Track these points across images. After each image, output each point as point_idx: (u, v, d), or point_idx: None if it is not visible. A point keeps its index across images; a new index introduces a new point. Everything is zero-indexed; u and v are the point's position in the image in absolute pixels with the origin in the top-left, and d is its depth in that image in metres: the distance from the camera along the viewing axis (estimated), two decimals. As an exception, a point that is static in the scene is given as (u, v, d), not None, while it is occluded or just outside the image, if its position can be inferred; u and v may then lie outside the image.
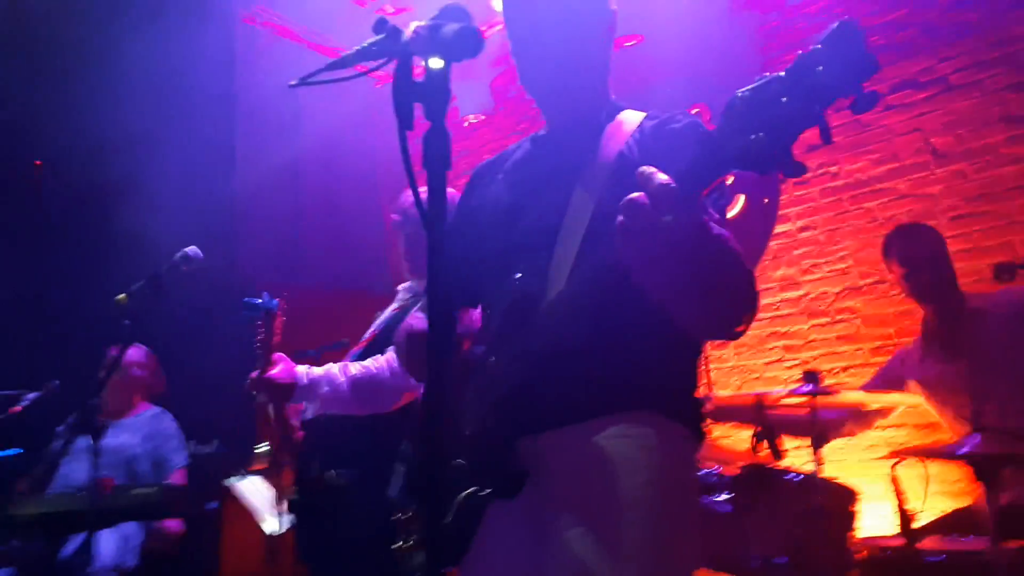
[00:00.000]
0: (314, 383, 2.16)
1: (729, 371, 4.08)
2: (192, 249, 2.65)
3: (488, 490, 1.23)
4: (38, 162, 5.11)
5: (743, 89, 0.88)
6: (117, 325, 2.61)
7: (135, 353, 3.77)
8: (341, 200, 5.13)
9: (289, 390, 2.15)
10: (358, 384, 2.17)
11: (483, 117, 5.53)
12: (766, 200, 3.55)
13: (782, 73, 0.86)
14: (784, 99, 0.85)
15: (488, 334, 1.34)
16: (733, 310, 1.10)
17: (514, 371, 1.21)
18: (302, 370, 2.18)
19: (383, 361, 2.22)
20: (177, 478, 3.60)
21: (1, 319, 4.48)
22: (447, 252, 0.95)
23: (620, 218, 0.95)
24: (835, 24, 0.84)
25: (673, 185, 0.92)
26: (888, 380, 3.13)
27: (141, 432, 3.61)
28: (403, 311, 2.38)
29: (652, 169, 0.94)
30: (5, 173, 4.73)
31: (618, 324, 1.10)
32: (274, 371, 2.15)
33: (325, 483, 2.23)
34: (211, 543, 3.68)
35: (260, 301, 2.28)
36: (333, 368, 2.20)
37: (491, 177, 1.53)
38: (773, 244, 4.00)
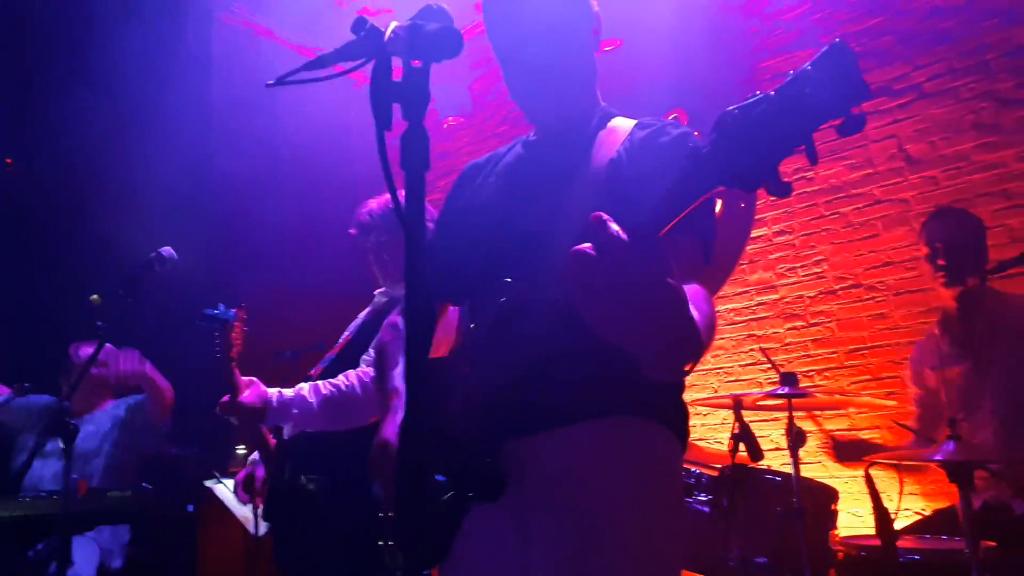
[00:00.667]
0: (284, 406, 2.17)
1: (706, 373, 4.10)
2: (166, 249, 2.63)
3: (470, 493, 1.23)
4: (9, 159, 5.04)
5: (733, 107, 0.88)
6: (91, 325, 2.58)
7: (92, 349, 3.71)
8: (319, 200, 5.10)
9: (260, 414, 2.16)
10: (329, 404, 2.19)
11: (462, 119, 5.53)
12: (743, 205, 3.59)
13: (772, 92, 0.86)
14: (774, 119, 0.85)
15: (473, 336, 1.33)
16: (675, 359, 1.09)
17: (499, 374, 1.21)
18: (272, 392, 2.19)
19: (354, 377, 2.23)
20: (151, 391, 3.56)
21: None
22: (430, 249, 0.95)
23: (568, 265, 0.95)
24: (828, 46, 0.84)
25: (623, 238, 0.92)
26: (916, 373, 3.12)
27: (103, 426, 3.57)
28: (377, 315, 2.37)
29: (604, 217, 0.94)
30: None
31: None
32: (245, 395, 2.16)
33: (298, 488, 2.23)
34: (189, 545, 3.65)
35: (217, 312, 2.28)
36: (304, 388, 2.21)
37: (481, 178, 1.52)
38: (750, 248, 4.03)
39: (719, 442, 3.88)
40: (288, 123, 4.88)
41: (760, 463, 2.60)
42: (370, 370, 2.21)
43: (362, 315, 2.51)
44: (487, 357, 1.25)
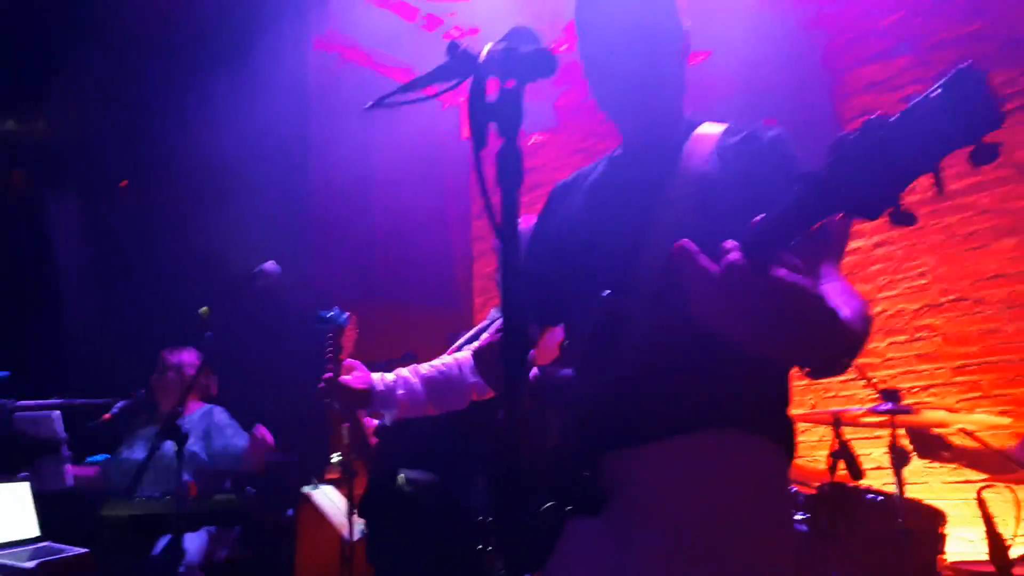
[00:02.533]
0: (389, 388, 2.11)
1: (803, 389, 3.98)
2: (269, 264, 2.76)
3: (568, 507, 1.23)
4: (123, 182, 5.39)
5: (853, 131, 0.85)
6: (200, 336, 2.73)
7: (188, 355, 3.88)
8: (409, 218, 5.24)
9: (365, 396, 2.09)
10: (432, 383, 2.12)
11: (547, 135, 5.57)
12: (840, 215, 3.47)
13: (895, 116, 0.82)
14: (897, 145, 0.81)
15: (573, 352, 1.34)
16: (827, 358, 1.07)
17: (601, 388, 1.20)
18: (376, 377, 2.15)
19: (451, 360, 2.18)
20: (257, 438, 3.60)
21: (93, 332, 4.73)
22: (524, 271, 0.97)
23: (689, 290, 0.95)
24: (956, 69, 0.79)
25: (740, 262, 0.91)
26: None
27: (197, 432, 3.68)
28: (484, 330, 2.39)
29: (691, 249, 0.94)
30: (95, 195, 5.00)
31: (706, 342, 1.08)
32: (348, 377, 2.12)
33: (396, 487, 2.25)
34: (287, 549, 3.78)
35: (331, 315, 2.30)
36: (404, 372, 2.17)
37: (569, 197, 1.53)
38: (847, 260, 3.89)
39: (816, 460, 3.75)
40: (379, 141, 5.04)
41: (861, 482, 2.51)
42: (467, 355, 2.20)
43: (474, 330, 2.52)
44: (587, 372, 1.24)
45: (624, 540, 1.23)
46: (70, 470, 3.51)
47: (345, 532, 3.06)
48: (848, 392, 3.90)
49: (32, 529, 2.91)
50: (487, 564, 1.39)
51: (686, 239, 0.98)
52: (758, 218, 0.95)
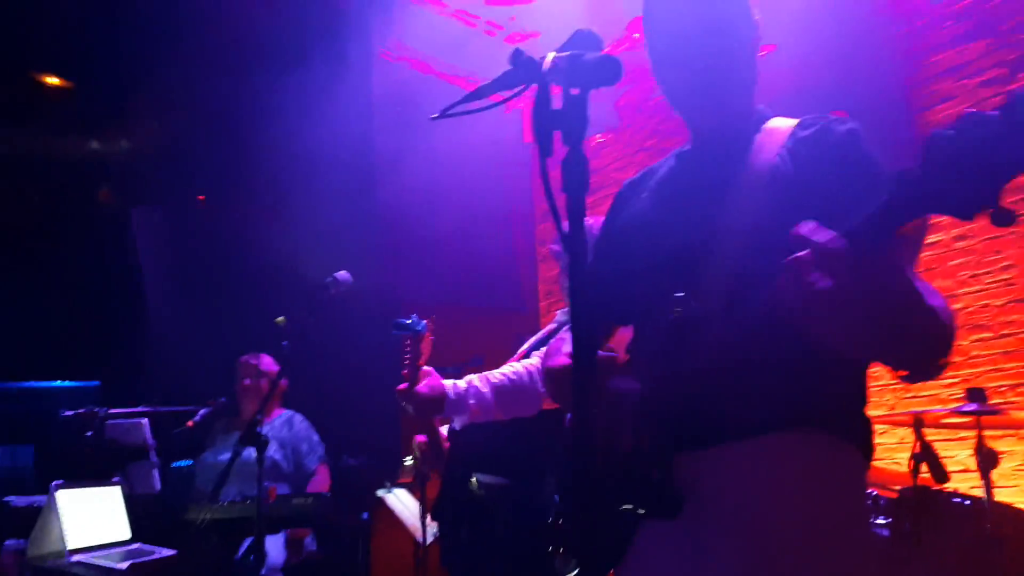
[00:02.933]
0: (461, 396, 2.19)
1: (882, 389, 3.85)
2: (341, 273, 2.83)
3: (641, 511, 1.22)
4: (200, 197, 5.61)
5: (948, 128, 0.83)
6: (277, 344, 2.82)
7: (267, 362, 3.99)
8: (474, 223, 5.29)
9: (439, 403, 2.19)
10: (501, 391, 2.19)
11: (610, 135, 5.55)
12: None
13: (994, 112, 0.79)
14: (997, 143, 0.79)
15: (643, 353, 1.33)
16: (922, 359, 1.05)
17: (676, 389, 1.19)
18: (448, 384, 2.23)
19: (521, 368, 2.23)
20: (320, 477, 3.74)
21: (176, 341, 4.93)
22: (594, 272, 0.97)
23: (787, 278, 0.93)
24: None
25: (841, 246, 0.88)
26: None
27: (277, 438, 3.79)
28: (551, 333, 2.40)
29: (812, 226, 0.90)
30: (176, 209, 5.21)
31: (783, 341, 1.06)
32: (422, 385, 2.20)
33: (469, 490, 2.27)
34: (363, 551, 3.87)
35: (409, 322, 2.34)
36: (474, 380, 2.24)
37: (637, 195, 1.51)
38: (926, 255, 3.76)
39: (896, 463, 3.63)
40: (444, 147, 5.10)
41: (946, 485, 2.42)
42: (536, 362, 2.21)
43: (542, 333, 2.53)
44: (660, 373, 1.23)
45: (699, 543, 1.22)
46: (158, 475, 3.67)
47: (418, 535, 3.11)
48: (929, 392, 3.76)
49: (124, 532, 3.05)
50: (560, 566, 1.39)
51: (803, 224, 0.95)
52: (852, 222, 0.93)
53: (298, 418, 3.96)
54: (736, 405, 1.18)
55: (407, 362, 2.29)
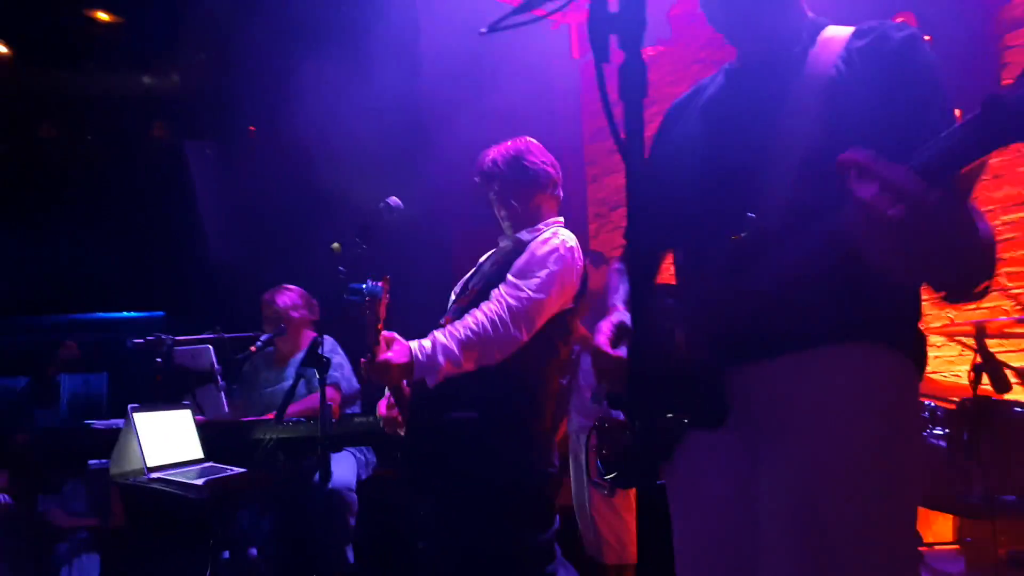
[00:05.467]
0: (430, 357, 2.13)
1: (941, 301, 3.76)
2: (393, 199, 2.84)
3: (688, 419, 1.25)
4: (251, 127, 5.66)
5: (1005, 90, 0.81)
6: (334, 271, 2.87)
7: (291, 296, 4.04)
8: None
9: (408, 369, 2.13)
10: (468, 346, 2.14)
11: (662, 48, 5.38)
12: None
13: None
14: None
15: (699, 272, 1.32)
16: (969, 284, 1.04)
17: (733, 305, 1.19)
18: (413, 345, 2.16)
19: (483, 318, 2.16)
20: (315, 394, 3.70)
21: (235, 270, 5.06)
22: (644, 191, 0.96)
23: (856, 210, 0.92)
24: None
25: (908, 173, 0.87)
26: None
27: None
28: (502, 263, 2.31)
29: (871, 156, 0.88)
30: (228, 141, 5.27)
31: (842, 260, 1.05)
32: (389, 353, 2.13)
33: (441, 428, 2.22)
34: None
35: (365, 287, 2.26)
36: (438, 336, 2.17)
37: (685, 116, 1.48)
38: (994, 161, 3.61)
39: (956, 375, 3.58)
40: (489, 66, 5.02)
41: (1006, 396, 2.38)
42: (496, 306, 2.15)
43: (485, 262, 2.45)
44: (718, 290, 1.23)
45: (751, 452, 1.24)
46: (224, 398, 3.84)
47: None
48: (989, 304, 3.67)
49: (197, 451, 3.21)
50: (604, 469, 1.42)
51: (851, 152, 0.93)
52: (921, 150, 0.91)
53: (327, 342, 3.98)
54: (792, 319, 1.18)
55: (367, 326, 2.20)
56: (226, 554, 3.13)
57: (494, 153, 2.44)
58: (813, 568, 1.09)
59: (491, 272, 2.36)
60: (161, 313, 7.07)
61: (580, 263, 2.27)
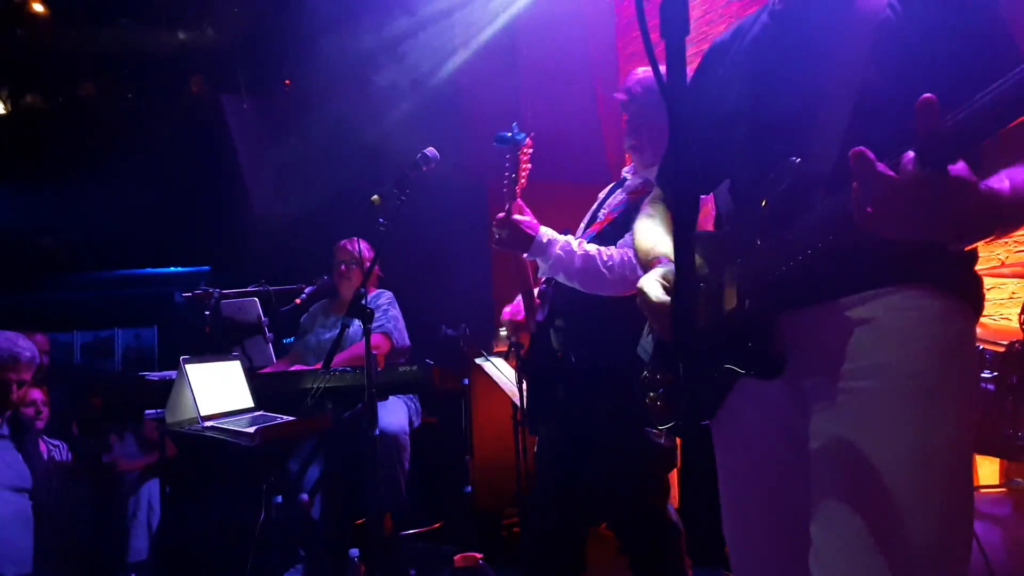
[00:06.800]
0: (552, 242, 2.20)
1: (991, 242, 3.66)
2: (430, 150, 2.84)
3: (744, 371, 1.23)
4: (287, 81, 5.66)
5: None
6: (373, 223, 2.90)
7: (366, 246, 4.09)
8: (558, 97, 5.16)
9: (528, 239, 2.21)
10: (588, 262, 2.18)
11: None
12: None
13: None
14: None
15: (746, 218, 1.29)
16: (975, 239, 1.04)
17: (784, 251, 1.17)
18: (544, 229, 2.24)
19: (617, 256, 2.19)
20: (361, 341, 3.83)
21: (275, 225, 5.14)
22: (686, 135, 0.95)
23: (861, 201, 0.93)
24: None
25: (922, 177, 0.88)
26: None
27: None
28: (634, 199, 2.33)
29: (870, 157, 0.90)
30: (265, 95, 5.29)
31: None
32: (520, 216, 2.23)
33: (553, 349, 2.30)
34: (465, 415, 4.10)
35: (510, 134, 2.32)
36: (570, 238, 2.24)
37: (728, 57, 1.43)
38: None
39: (1006, 318, 3.50)
40: (523, 19, 4.94)
41: (1059, 338, 2.33)
42: (630, 252, 2.15)
43: (618, 196, 2.43)
44: (769, 236, 1.21)
45: (800, 399, 1.23)
46: (272, 349, 3.93)
47: (516, 398, 3.26)
48: (1044, 246, 3.56)
49: (247, 400, 3.30)
50: (655, 415, 1.43)
51: (862, 148, 0.92)
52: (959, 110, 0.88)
53: (385, 296, 4.07)
54: (844, 265, 1.16)
55: (507, 176, 2.28)
56: (279, 499, 3.25)
57: (642, 75, 2.38)
58: (868, 510, 1.08)
59: (626, 203, 2.34)
60: (207, 267, 7.22)
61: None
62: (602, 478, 2.29)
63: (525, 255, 2.30)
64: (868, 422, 1.12)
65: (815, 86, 1.21)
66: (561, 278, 2.23)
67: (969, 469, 1.16)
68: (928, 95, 0.87)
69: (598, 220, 2.40)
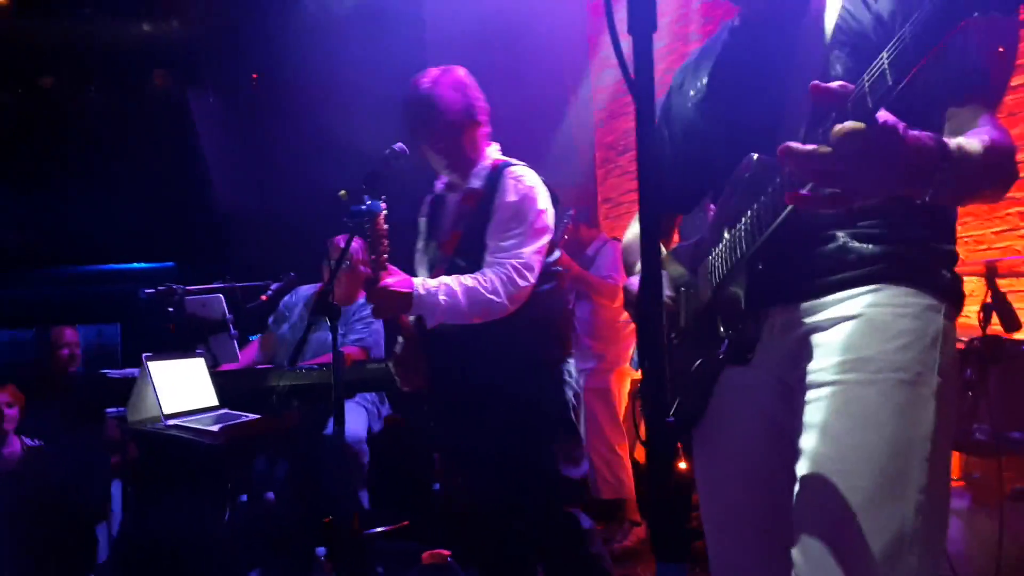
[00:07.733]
0: (431, 293, 2.11)
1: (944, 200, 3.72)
2: (399, 145, 2.81)
3: (720, 356, 1.26)
4: (255, 75, 5.59)
5: None
6: (340, 219, 2.87)
7: (360, 244, 4.05)
8: (530, 88, 5.16)
9: (407, 300, 2.10)
10: (473, 295, 2.13)
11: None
12: (1001, 49, 3.13)
13: None
14: None
15: (718, 217, 1.32)
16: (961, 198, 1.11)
17: (765, 249, 1.19)
18: (417, 282, 2.14)
19: (491, 277, 2.16)
20: (354, 351, 3.81)
21: (241, 221, 5.07)
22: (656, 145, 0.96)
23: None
24: None
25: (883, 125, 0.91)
26: None
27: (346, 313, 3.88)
28: (472, 208, 2.32)
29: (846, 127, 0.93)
30: (231, 89, 5.21)
31: (875, 204, 1.09)
32: (391, 280, 2.10)
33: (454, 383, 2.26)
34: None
35: (364, 207, 2.18)
36: (445, 279, 2.16)
37: (691, 81, 1.47)
38: (1009, 99, 3.54)
39: (965, 316, 3.58)
40: (495, 14, 4.92)
41: (1016, 335, 2.39)
42: (509, 263, 2.16)
43: (451, 207, 2.40)
44: (734, 224, 1.24)
45: (785, 394, 1.25)
46: (237, 346, 3.88)
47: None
48: (1002, 243, 3.64)
49: (212, 398, 3.26)
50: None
51: (787, 143, 0.97)
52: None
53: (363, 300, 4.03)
54: (826, 263, 1.21)
55: (370, 248, 2.16)
56: (244, 497, 3.20)
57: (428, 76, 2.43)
58: (850, 498, 1.11)
59: (461, 209, 2.33)
60: (171, 264, 7.11)
61: (543, 190, 2.31)
62: (503, 498, 2.27)
63: (409, 316, 2.21)
64: (853, 413, 1.15)
65: (779, 92, 1.24)
66: (456, 321, 2.16)
67: (947, 460, 1.19)
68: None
69: (446, 238, 2.35)
